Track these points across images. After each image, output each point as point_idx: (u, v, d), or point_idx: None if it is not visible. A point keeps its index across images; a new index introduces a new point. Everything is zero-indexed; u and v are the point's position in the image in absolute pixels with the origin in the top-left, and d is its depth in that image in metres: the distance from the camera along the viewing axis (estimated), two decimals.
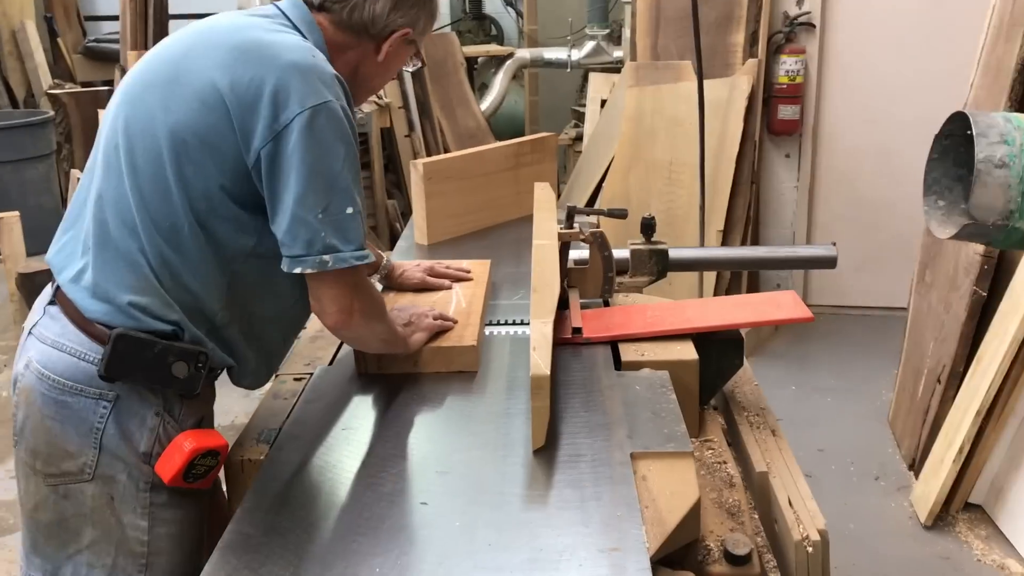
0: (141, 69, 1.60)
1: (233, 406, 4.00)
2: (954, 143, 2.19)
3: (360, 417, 1.68)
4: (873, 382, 4.14)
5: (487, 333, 2.03)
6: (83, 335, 1.51)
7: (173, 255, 1.51)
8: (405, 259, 2.59)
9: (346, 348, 1.97)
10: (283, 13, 1.63)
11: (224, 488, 1.67)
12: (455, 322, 1.93)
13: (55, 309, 1.56)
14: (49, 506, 1.55)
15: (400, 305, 1.95)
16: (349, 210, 1.50)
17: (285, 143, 1.45)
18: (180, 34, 1.62)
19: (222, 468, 1.59)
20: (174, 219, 1.49)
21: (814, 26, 4.54)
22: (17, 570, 2.94)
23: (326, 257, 1.48)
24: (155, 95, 1.52)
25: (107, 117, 1.61)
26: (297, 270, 1.49)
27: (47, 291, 1.62)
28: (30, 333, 1.58)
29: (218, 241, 1.52)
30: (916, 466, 3.34)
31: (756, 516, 1.80)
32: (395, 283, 2.19)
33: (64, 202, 5.68)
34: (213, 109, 1.47)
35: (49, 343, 1.53)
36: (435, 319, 1.89)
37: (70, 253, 1.56)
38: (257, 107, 1.45)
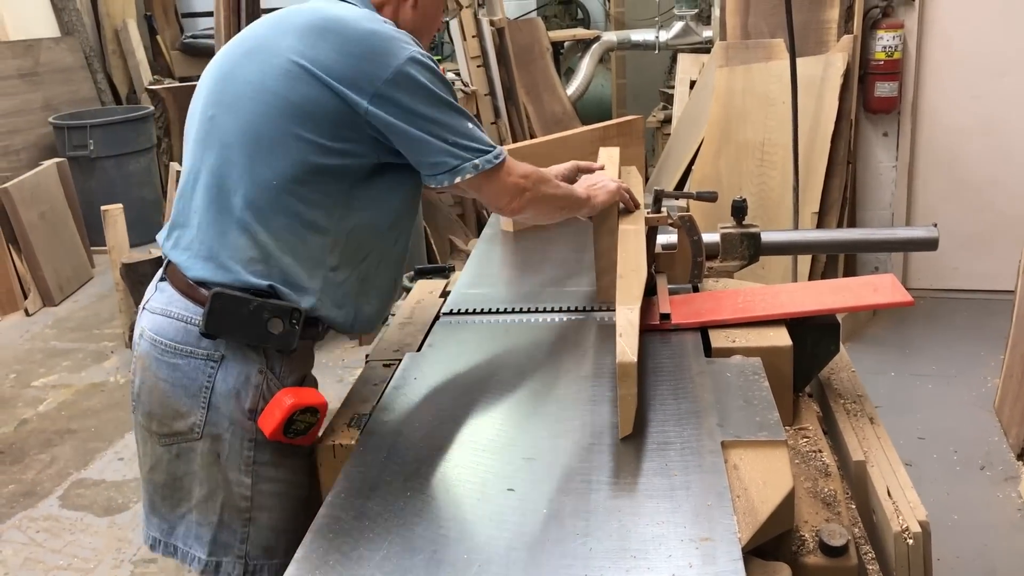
0: (226, 52, 1.72)
1: (327, 391, 4.08)
2: None
3: (447, 403, 1.69)
4: (977, 368, 3.98)
5: (570, 319, 2.01)
6: (188, 300, 1.63)
7: (275, 213, 1.60)
8: (491, 247, 2.60)
9: (434, 335, 1.99)
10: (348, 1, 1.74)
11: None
12: (636, 205, 2.07)
13: (164, 283, 1.69)
14: (163, 466, 1.67)
15: (585, 176, 2.13)
16: (470, 125, 1.67)
17: (397, 90, 1.58)
18: (255, 24, 1.75)
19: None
20: (276, 175, 1.59)
21: None
22: (126, 547, 3.09)
23: (477, 161, 1.64)
24: (245, 68, 1.63)
25: (199, 96, 1.72)
26: (458, 179, 1.63)
27: (159, 272, 1.74)
28: (144, 308, 1.72)
29: (318, 195, 1.61)
30: None
31: (853, 506, 1.75)
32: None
33: (164, 194, 5.88)
34: (303, 80, 1.57)
35: (159, 312, 1.66)
36: (618, 186, 2.02)
37: (178, 226, 1.68)
38: (358, 70, 1.57)
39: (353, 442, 1.59)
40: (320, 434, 1.66)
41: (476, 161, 1.64)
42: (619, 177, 2.18)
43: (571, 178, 2.17)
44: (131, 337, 4.48)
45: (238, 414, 1.61)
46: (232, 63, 1.67)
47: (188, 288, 1.63)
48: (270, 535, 1.66)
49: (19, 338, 5.03)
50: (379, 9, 1.76)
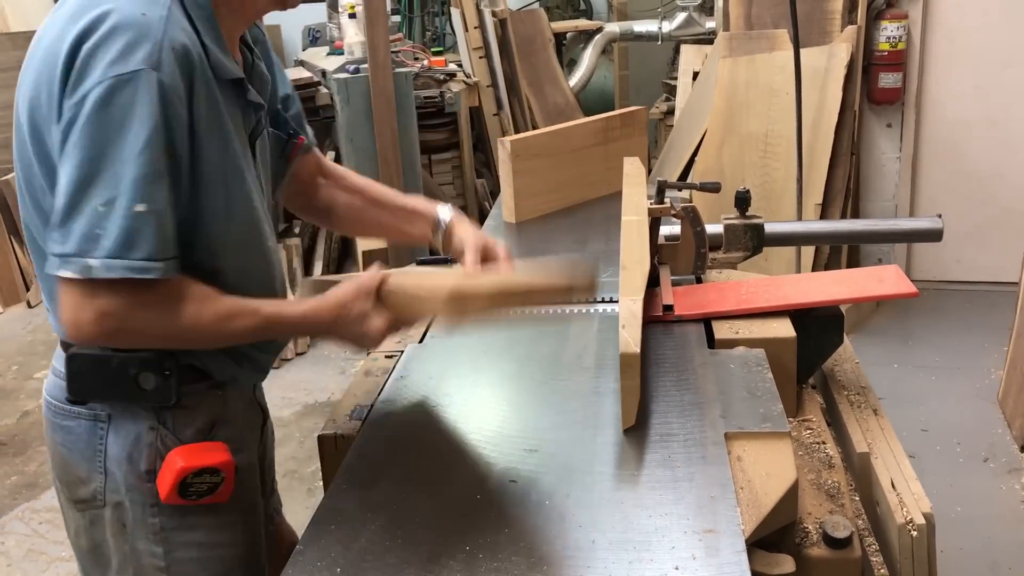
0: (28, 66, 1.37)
1: (329, 383, 4.09)
2: None
3: (450, 395, 1.68)
4: (981, 360, 3.97)
5: (572, 310, 2.01)
6: (59, 360, 1.44)
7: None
8: (495, 238, 2.58)
9: (436, 326, 1.98)
10: None
11: (320, 469, 1.69)
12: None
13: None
14: (83, 532, 1.51)
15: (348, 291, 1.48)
16: (140, 207, 1.22)
17: (75, 120, 1.21)
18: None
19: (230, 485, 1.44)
20: (41, 205, 1.33)
21: None
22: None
23: (92, 262, 1.21)
24: (26, 70, 1.33)
25: None
26: (52, 270, 1.24)
27: None
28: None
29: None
30: None
31: (857, 498, 1.74)
32: (451, 248, 1.79)
33: None
34: (45, 79, 1.27)
35: (52, 368, 1.47)
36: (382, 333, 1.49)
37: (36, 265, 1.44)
38: (64, 74, 1.24)
39: (355, 433, 1.59)
40: (228, 493, 1.44)
41: (92, 262, 1.21)
42: (625, 172, 2.17)
43: (479, 249, 1.69)
44: None
45: (133, 478, 1.42)
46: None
47: (62, 343, 1.42)
48: None
49: (21, 330, 5.03)
50: None
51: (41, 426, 3.71)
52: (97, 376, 1.38)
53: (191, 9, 1.31)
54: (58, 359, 1.43)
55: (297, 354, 4.42)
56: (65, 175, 1.22)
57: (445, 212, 1.77)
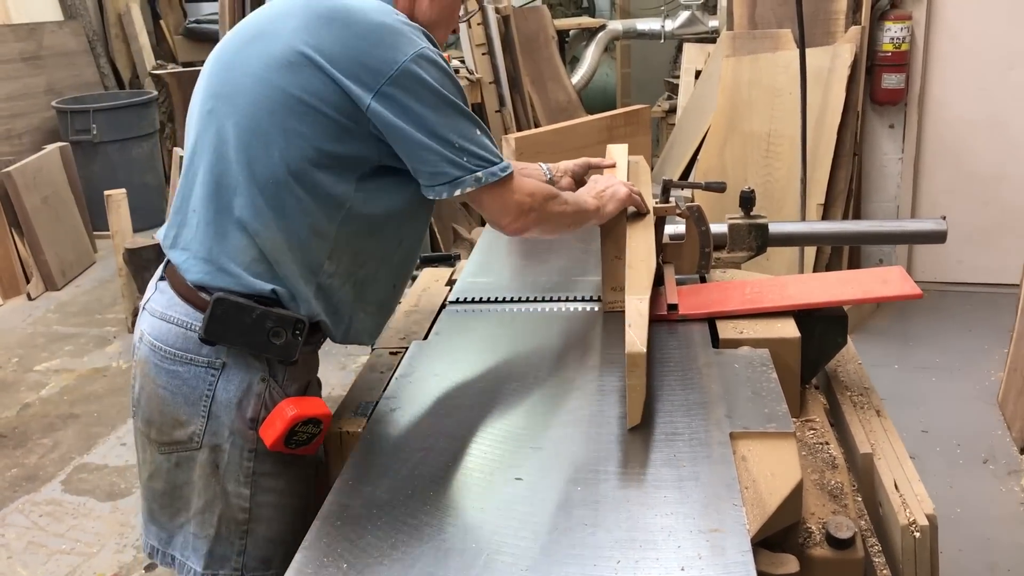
0: (228, 39, 1.64)
1: (330, 378, 4.08)
2: None
3: (455, 392, 1.69)
4: (981, 361, 3.97)
5: (577, 308, 2.01)
6: (188, 305, 1.57)
7: (272, 212, 1.53)
8: (497, 236, 2.58)
9: (440, 323, 1.99)
10: None
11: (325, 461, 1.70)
12: (647, 210, 1.97)
13: (164, 284, 1.63)
14: (162, 475, 1.62)
15: (595, 177, 2.02)
16: (478, 132, 1.58)
17: (401, 89, 1.50)
18: (262, 8, 1.65)
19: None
20: (273, 173, 1.52)
21: None
22: (129, 531, 3.09)
23: (480, 174, 1.56)
24: (246, 58, 1.56)
25: (199, 87, 1.65)
26: (458, 192, 1.55)
27: (159, 269, 1.69)
28: (144, 309, 1.67)
29: (317, 194, 1.54)
30: None
31: (859, 499, 1.74)
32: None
33: (167, 179, 5.86)
34: (306, 71, 1.50)
35: (158, 315, 1.60)
36: (629, 191, 1.92)
37: (177, 224, 1.63)
38: (358, 66, 1.49)
39: (360, 430, 1.59)
40: (322, 444, 1.61)
41: (479, 173, 1.56)
42: (628, 172, 2.17)
43: (581, 175, 2.14)
44: (133, 323, 4.49)
45: (239, 423, 1.56)
46: (233, 52, 1.59)
47: (188, 292, 1.57)
48: (268, 546, 1.62)
49: (21, 322, 5.03)
50: (394, 2, 1.66)
51: (42, 419, 3.71)
52: (237, 323, 1.53)
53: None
54: (176, 308, 1.58)
55: None
56: (427, 124, 1.53)
57: (544, 167, 2.18)
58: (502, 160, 1.61)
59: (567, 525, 1.27)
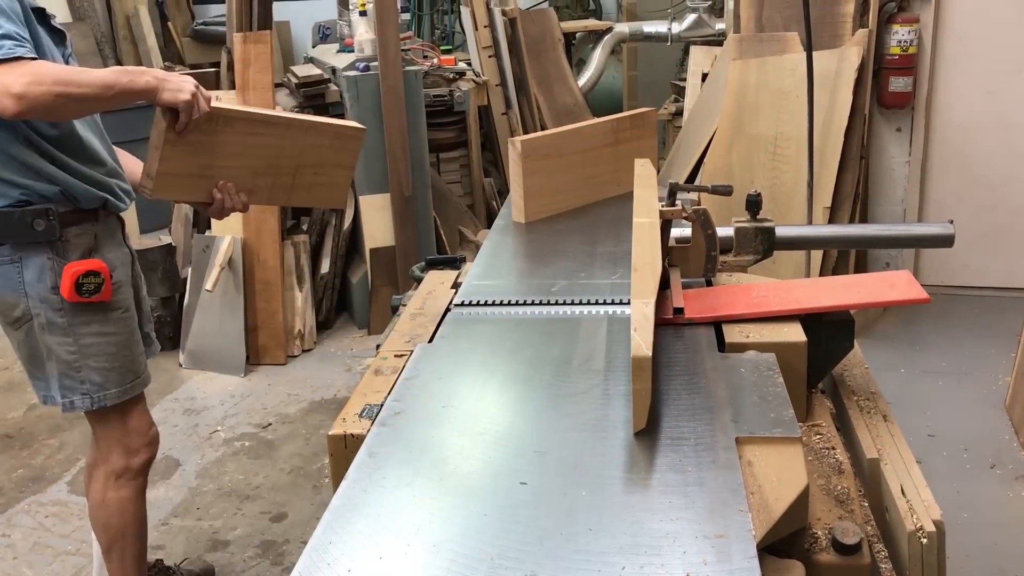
0: None
1: (335, 380, 4.09)
2: None
3: (459, 395, 1.68)
4: (989, 366, 3.96)
5: (582, 312, 2.00)
6: None
7: None
8: (502, 238, 2.59)
9: (445, 326, 1.98)
10: None
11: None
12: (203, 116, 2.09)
13: None
14: (23, 344, 2.25)
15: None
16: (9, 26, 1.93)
17: None
18: None
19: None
20: None
21: None
22: None
23: None
24: None
25: None
26: None
27: None
28: None
29: None
30: None
31: (866, 504, 1.73)
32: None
33: None
34: None
35: None
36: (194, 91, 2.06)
37: None
38: None
39: (365, 432, 1.59)
40: (110, 292, 2.20)
41: None
42: (636, 174, 2.17)
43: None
44: None
45: (45, 293, 2.17)
46: None
47: None
48: (101, 374, 2.25)
49: None
50: None
51: (48, 420, 3.71)
52: (7, 226, 2.12)
53: None
54: None
55: (304, 351, 4.43)
56: None
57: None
58: (14, 43, 1.90)
59: (571, 530, 1.26)
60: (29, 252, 2.15)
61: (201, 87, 2.09)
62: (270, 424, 3.79)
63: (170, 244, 4.51)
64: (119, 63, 7.67)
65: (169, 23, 8.35)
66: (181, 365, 4.41)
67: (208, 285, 4.21)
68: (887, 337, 4.33)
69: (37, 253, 2.15)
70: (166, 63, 7.86)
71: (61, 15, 7.19)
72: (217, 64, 6.96)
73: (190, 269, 4.44)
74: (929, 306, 4.52)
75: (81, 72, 1.99)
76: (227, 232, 4.36)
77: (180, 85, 2.03)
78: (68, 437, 3.77)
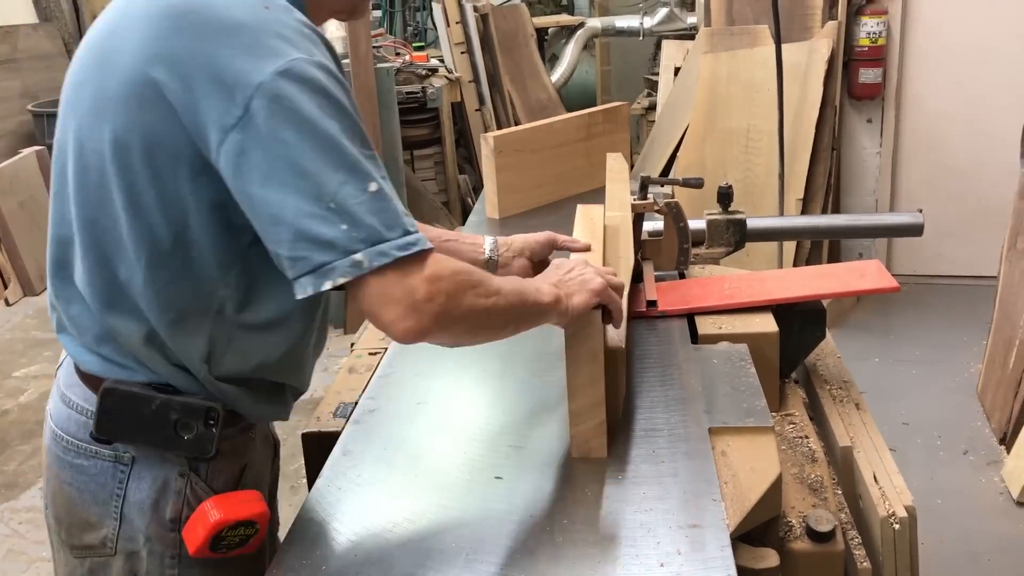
0: (73, 63, 1.27)
1: (312, 381, 4.07)
2: None
3: (434, 391, 1.68)
4: (960, 354, 4.01)
5: None
6: (86, 388, 1.30)
7: (128, 293, 1.22)
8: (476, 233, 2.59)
9: None
10: None
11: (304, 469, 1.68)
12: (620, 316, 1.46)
13: (72, 373, 1.34)
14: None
15: (558, 260, 1.50)
16: (374, 185, 1.11)
17: (252, 130, 1.08)
18: (109, 7, 1.25)
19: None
20: (124, 248, 1.20)
21: None
22: None
23: (360, 256, 1.08)
24: (87, 95, 1.20)
25: (56, 135, 1.29)
26: (326, 286, 1.10)
27: None
28: (55, 377, 1.38)
29: (184, 271, 1.21)
30: (1007, 440, 3.23)
31: (839, 492, 1.75)
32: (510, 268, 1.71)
33: None
34: (152, 103, 1.13)
35: (60, 396, 1.34)
36: (605, 276, 1.41)
37: (50, 297, 1.34)
38: (205, 91, 1.10)
39: (339, 431, 1.58)
40: (259, 543, 1.33)
41: (359, 255, 1.08)
42: (608, 168, 2.17)
43: (544, 255, 1.70)
44: None
45: (156, 527, 1.30)
46: (74, 82, 1.24)
47: (84, 375, 1.30)
48: None
49: None
50: None
51: (21, 425, 3.66)
52: (133, 417, 1.26)
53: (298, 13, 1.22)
54: (74, 390, 1.31)
55: None
56: (292, 181, 1.09)
57: (490, 240, 1.74)
58: (406, 230, 1.12)
59: (546, 522, 1.26)
60: (150, 459, 1.29)
61: (593, 265, 1.45)
62: None
63: None
64: None
65: None
66: None
67: None
68: (861, 327, 4.38)
69: (165, 462, 1.30)
70: None
71: (27, 16, 7.11)
72: None
73: None
74: (902, 295, 4.59)
75: (500, 290, 1.23)
76: None
77: (584, 282, 1.37)
78: (41, 443, 3.74)
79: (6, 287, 5.35)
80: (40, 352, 4.66)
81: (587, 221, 1.82)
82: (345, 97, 1.15)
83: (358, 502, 1.34)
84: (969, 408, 3.60)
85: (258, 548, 1.32)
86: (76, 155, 1.20)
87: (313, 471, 1.61)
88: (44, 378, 4.36)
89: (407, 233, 1.12)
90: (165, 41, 1.12)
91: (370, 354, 1.89)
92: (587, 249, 1.64)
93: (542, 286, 1.33)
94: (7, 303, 5.29)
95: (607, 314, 1.40)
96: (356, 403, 1.66)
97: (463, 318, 1.18)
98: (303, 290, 1.11)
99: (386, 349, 1.86)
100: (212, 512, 1.26)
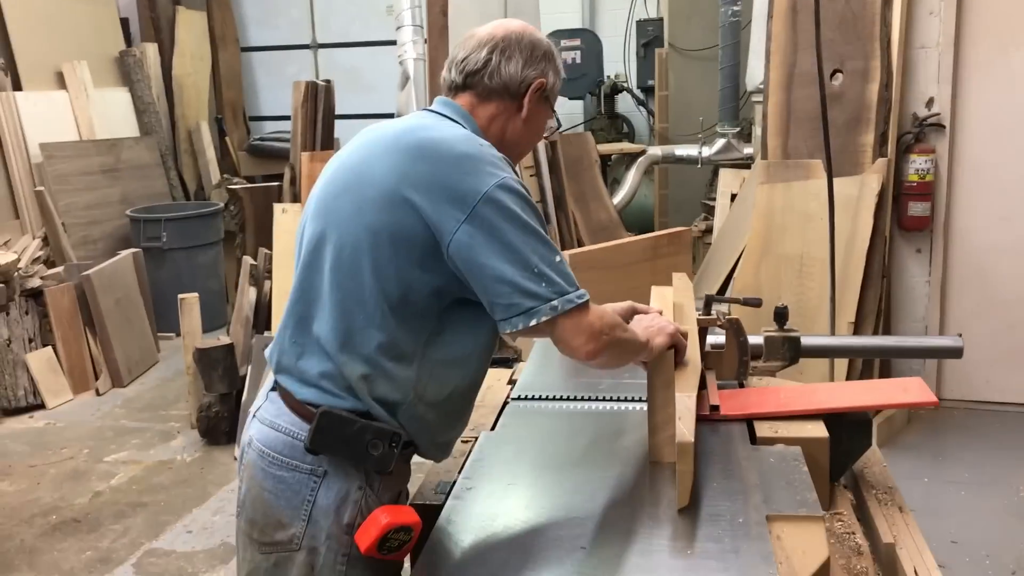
0: (327, 180, 1.80)
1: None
2: None
3: (522, 474, 1.92)
4: (1009, 477, 4.10)
5: (627, 407, 2.24)
6: (295, 416, 1.73)
7: (369, 340, 1.68)
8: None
9: (505, 416, 2.23)
10: (437, 112, 1.83)
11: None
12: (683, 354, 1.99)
13: (275, 395, 1.79)
14: (260, 574, 1.75)
15: (638, 316, 2.03)
16: (558, 258, 1.66)
17: (481, 221, 1.61)
18: (353, 144, 1.82)
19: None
20: (366, 305, 1.68)
21: (943, 127, 4.67)
22: None
23: (556, 302, 1.61)
24: (346, 201, 1.72)
25: (303, 223, 1.83)
26: (533, 322, 1.61)
27: (269, 378, 1.85)
28: (254, 416, 1.82)
29: (405, 324, 1.69)
30: None
31: None
32: None
33: (236, 285, 6.22)
34: (400, 207, 1.64)
35: (268, 423, 1.76)
36: (675, 328, 1.96)
37: (280, 346, 1.80)
38: (444, 198, 1.62)
39: (441, 504, 1.82)
40: (410, 551, 1.72)
41: (555, 302, 1.61)
42: (675, 285, 2.43)
43: (626, 318, 2.05)
44: (198, 419, 4.74)
45: (336, 529, 1.69)
46: (332, 193, 1.76)
47: (296, 404, 1.73)
48: None
49: (91, 416, 5.32)
50: (488, 124, 1.83)
51: (113, 506, 3.93)
52: (339, 435, 1.68)
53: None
54: (284, 418, 1.74)
55: None
56: (508, 254, 1.62)
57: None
58: (578, 288, 1.67)
59: None
60: (339, 471, 1.71)
61: (665, 317, 2.05)
62: None
63: (230, 344, 4.81)
64: (180, 174, 8.18)
65: (227, 138, 8.91)
66: (235, 459, 4.64)
67: None
68: (912, 448, 4.50)
69: (348, 477, 1.71)
70: (224, 175, 8.36)
71: (131, 130, 7.73)
72: (271, 177, 7.43)
73: (249, 367, 4.72)
74: (951, 420, 4.72)
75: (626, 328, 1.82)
76: None
77: (661, 327, 1.94)
78: (132, 523, 3.99)
79: (97, 378, 5.70)
80: (128, 440, 4.96)
81: (659, 296, 2.34)
82: (532, 202, 1.70)
83: (459, 564, 1.58)
84: (1018, 530, 3.69)
85: (402, 560, 1.74)
86: (335, 240, 1.71)
87: (418, 538, 1.83)
88: (133, 464, 4.65)
89: (578, 288, 1.67)
90: (411, 166, 1.67)
91: (463, 442, 2.13)
92: (659, 313, 2.10)
93: (638, 330, 1.88)
94: (98, 393, 5.63)
95: (677, 353, 1.97)
96: (454, 482, 1.90)
97: (616, 344, 1.74)
98: (513, 327, 1.63)
99: (476, 438, 2.11)
100: (383, 516, 1.66)
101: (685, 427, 1.73)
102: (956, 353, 2.40)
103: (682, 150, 6.93)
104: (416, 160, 1.67)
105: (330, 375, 1.71)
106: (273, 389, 1.81)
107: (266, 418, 1.78)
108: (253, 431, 1.80)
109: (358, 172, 1.74)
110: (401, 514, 1.68)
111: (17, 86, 6.89)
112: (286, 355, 1.78)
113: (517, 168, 1.89)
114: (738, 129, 6.59)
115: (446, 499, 1.83)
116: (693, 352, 2.05)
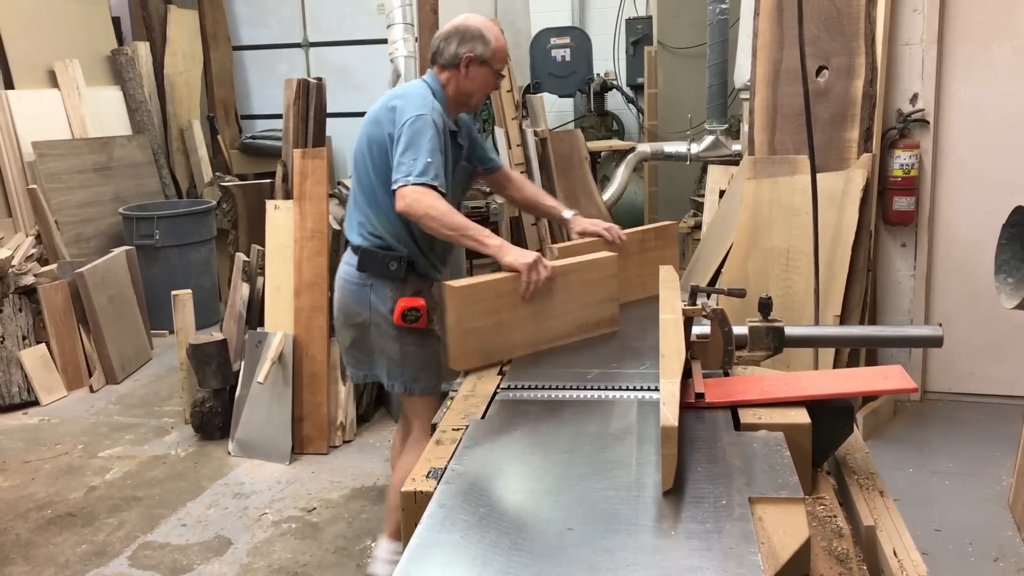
0: (366, 119, 3.08)
1: (375, 469, 4.35)
2: (1020, 231, 2.51)
3: (511, 460, 1.97)
4: (993, 467, 4.17)
5: (614, 396, 2.29)
6: (352, 254, 3.11)
7: (373, 205, 3.04)
8: None
9: (495, 406, 2.28)
10: (423, 79, 3.09)
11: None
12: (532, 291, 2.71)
13: (348, 248, 3.15)
14: (356, 339, 3.15)
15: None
16: (427, 159, 2.79)
17: (402, 131, 2.86)
18: (375, 105, 3.09)
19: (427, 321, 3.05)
20: (370, 184, 3.03)
21: (927, 123, 4.74)
22: None
23: (410, 177, 2.79)
24: (362, 132, 3.07)
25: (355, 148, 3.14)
26: (394, 187, 2.81)
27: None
28: (342, 261, 3.17)
29: (385, 192, 2.94)
30: None
31: (864, 567, 1.98)
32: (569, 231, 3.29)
33: (228, 283, 6.25)
34: (378, 127, 2.99)
35: (344, 261, 3.16)
36: (543, 262, 2.72)
37: (347, 218, 3.16)
38: (395, 120, 2.93)
39: (432, 490, 1.87)
40: (427, 323, 3.03)
41: (409, 177, 2.78)
42: (661, 279, 2.49)
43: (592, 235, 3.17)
44: (192, 414, 4.79)
45: (385, 311, 3.03)
46: (363, 129, 3.07)
47: (353, 248, 3.10)
48: (415, 371, 3.09)
49: (85, 412, 5.35)
50: (446, 84, 3.05)
51: (108, 500, 3.99)
52: (372, 261, 3.04)
53: (439, 103, 3.01)
54: (348, 256, 3.13)
55: (344, 441, 4.70)
56: (399, 151, 2.85)
57: (568, 211, 3.35)
58: (424, 178, 2.77)
59: (611, 565, 1.53)
60: (381, 283, 3.03)
61: (543, 258, 2.73)
62: (315, 508, 4.05)
63: (223, 339, 4.85)
64: (172, 172, 8.20)
65: (219, 136, 8.93)
66: (230, 453, 4.68)
67: (260, 378, 4.52)
68: (897, 439, 4.56)
69: (384, 284, 3.03)
70: (216, 172, 8.39)
71: (123, 128, 7.75)
72: (263, 175, 7.46)
73: (242, 362, 4.75)
74: (937, 411, 4.79)
75: (454, 214, 2.79)
76: (279, 329, 4.70)
77: (524, 254, 2.68)
78: (127, 517, 4.03)
79: (91, 375, 5.74)
80: (122, 435, 4.99)
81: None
82: (438, 131, 2.89)
83: (451, 544, 1.62)
84: (1000, 518, 3.76)
85: (427, 327, 3.05)
86: (356, 151, 3.09)
87: (409, 525, 1.89)
88: (127, 459, 4.69)
89: (422, 178, 2.80)
90: (385, 107, 3.01)
91: (453, 430, 2.18)
92: (611, 241, 3.17)
93: (495, 237, 2.82)
94: (91, 389, 5.66)
95: (527, 283, 2.70)
96: (445, 468, 1.95)
97: (429, 219, 2.79)
98: (395, 184, 2.84)
99: (467, 426, 2.16)
100: (402, 302, 3.00)
101: (669, 412, 1.78)
102: (936, 342, 2.46)
103: (671, 147, 6.98)
104: (389, 103, 3.02)
105: (362, 226, 3.07)
106: (346, 244, 3.15)
107: (344, 259, 3.16)
108: (341, 269, 3.16)
109: (374, 114, 3.04)
110: (412, 301, 3.00)
111: (9, 84, 6.91)
112: (347, 221, 3.15)
113: (474, 120, 3.65)
114: (726, 126, 6.64)
115: (437, 484, 1.88)
116: (679, 341, 2.10)
